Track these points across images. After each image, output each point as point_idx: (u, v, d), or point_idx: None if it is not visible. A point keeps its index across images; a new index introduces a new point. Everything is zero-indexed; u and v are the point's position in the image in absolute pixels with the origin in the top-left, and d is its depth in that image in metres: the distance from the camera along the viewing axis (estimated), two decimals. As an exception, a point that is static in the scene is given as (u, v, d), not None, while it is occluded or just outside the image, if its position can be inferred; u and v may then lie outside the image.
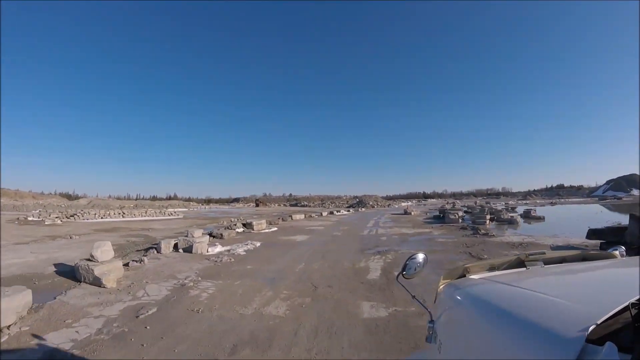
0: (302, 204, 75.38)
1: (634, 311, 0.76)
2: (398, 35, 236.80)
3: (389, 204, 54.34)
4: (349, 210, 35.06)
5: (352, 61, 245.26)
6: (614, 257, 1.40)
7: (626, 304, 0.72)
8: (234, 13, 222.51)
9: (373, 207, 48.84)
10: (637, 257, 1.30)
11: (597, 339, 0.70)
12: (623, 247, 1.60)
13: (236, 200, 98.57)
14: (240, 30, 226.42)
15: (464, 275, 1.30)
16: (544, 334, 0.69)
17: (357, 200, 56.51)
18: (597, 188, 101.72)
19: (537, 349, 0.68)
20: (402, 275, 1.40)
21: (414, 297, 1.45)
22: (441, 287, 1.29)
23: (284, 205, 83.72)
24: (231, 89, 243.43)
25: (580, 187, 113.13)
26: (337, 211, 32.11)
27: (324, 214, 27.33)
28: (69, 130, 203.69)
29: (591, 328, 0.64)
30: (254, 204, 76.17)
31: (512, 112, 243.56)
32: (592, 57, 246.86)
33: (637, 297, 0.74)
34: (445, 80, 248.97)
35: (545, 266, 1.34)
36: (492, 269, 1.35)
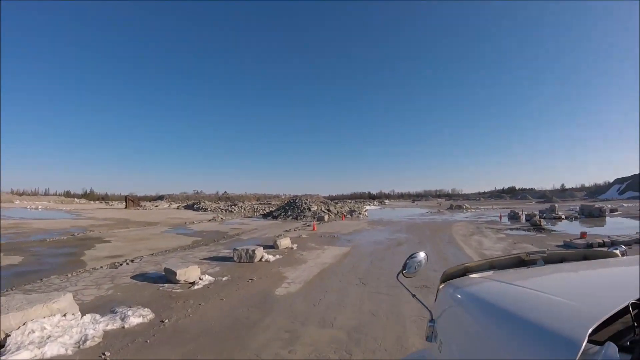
0: (201, 205, 44.97)
1: (634, 311, 0.75)
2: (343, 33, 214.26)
3: (354, 211, 25.74)
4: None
5: (285, 55, 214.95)
6: (615, 256, 1.36)
7: (626, 303, 0.71)
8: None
9: (322, 219, 19.68)
10: (638, 256, 1.30)
11: (597, 338, 0.69)
12: (624, 246, 1.47)
13: (160, 198, 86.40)
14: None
15: (465, 274, 1.29)
16: (544, 334, 0.68)
17: (289, 201, 26.73)
18: (602, 187, 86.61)
19: (538, 349, 0.67)
20: (403, 274, 1.37)
21: (414, 295, 1.40)
22: (441, 286, 1.26)
23: (179, 206, 53.30)
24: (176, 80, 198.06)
25: (565, 190, 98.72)
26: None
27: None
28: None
29: (592, 328, 0.63)
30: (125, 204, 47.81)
31: (455, 111, 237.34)
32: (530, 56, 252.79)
33: (638, 297, 0.73)
34: (386, 77, 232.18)
35: (546, 265, 1.34)
36: (492, 267, 1.36)
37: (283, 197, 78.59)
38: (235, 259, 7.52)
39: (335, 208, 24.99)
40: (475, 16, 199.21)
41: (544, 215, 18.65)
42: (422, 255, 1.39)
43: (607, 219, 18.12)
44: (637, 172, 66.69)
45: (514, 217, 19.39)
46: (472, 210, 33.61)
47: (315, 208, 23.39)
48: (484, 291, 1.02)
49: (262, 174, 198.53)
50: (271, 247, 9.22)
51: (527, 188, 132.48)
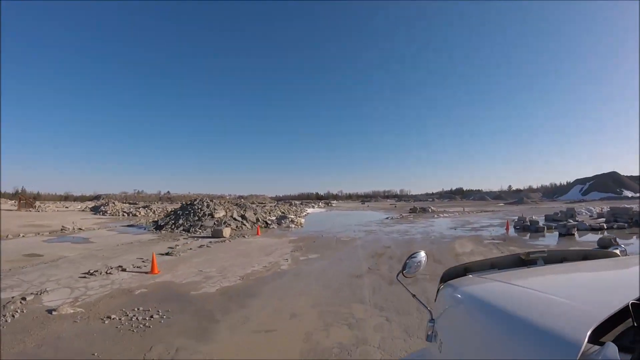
0: (109, 205, 36.02)
1: (634, 311, 0.74)
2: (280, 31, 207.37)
3: (286, 217, 18.79)
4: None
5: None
6: (615, 255, 1.34)
7: (626, 303, 0.70)
8: None
9: (219, 234, 12.14)
10: (638, 256, 1.28)
11: (597, 339, 0.68)
12: (624, 246, 1.48)
13: (97, 197, 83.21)
14: None
15: (465, 274, 1.27)
16: (544, 334, 0.67)
17: (184, 204, 18.56)
18: (564, 187, 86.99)
19: (538, 349, 0.66)
20: (402, 273, 1.35)
21: (414, 295, 1.38)
22: (442, 285, 1.24)
23: (86, 208, 44.04)
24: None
25: (518, 190, 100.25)
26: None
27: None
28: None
29: (592, 328, 0.62)
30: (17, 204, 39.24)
31: (402, 115, 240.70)
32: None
33: (638, 297, 0.72)
34: (334, 80, 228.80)
35: (546, 265, 1.31)
36: (492, 267, 1.34)
37: (228, 197, 69.94)
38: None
39: (257, 214, 17.78)
40: (440, 11, 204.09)
41: (579, 225, 12.83)
42: (422, 254, 1.36)
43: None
44: (598, 173, 68.48)
45: (528, 227, 13.21)
46: (443, 215, 26.02)
47: (222, 214, 15.96)
48: (484, 291, 1.01)
49: (221, 174, 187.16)
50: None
51: (475, 189, 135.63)
